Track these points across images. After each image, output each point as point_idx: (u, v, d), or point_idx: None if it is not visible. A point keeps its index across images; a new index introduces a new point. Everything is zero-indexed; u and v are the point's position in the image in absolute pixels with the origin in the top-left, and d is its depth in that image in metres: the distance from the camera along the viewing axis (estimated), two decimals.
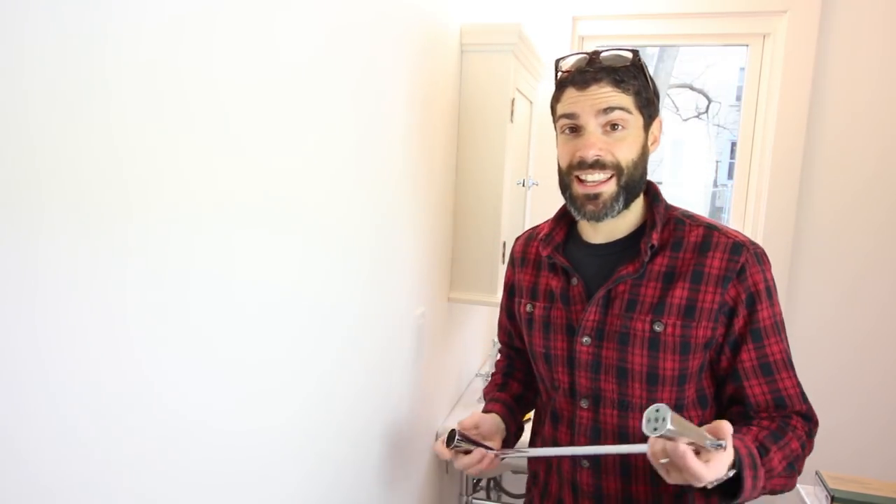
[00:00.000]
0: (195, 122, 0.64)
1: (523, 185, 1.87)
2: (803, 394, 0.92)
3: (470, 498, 1.88)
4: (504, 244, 1.64)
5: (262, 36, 0.74)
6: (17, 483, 0.48)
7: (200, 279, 0.67)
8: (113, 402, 0.57)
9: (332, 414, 1.02)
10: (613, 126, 0.90)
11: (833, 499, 1.31)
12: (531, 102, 1.89)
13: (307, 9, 0.84)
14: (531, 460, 1.12)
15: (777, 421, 0.90)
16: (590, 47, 2.28)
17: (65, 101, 0.49)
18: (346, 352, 1.05)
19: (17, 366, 0.47)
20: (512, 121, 1.58)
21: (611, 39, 2.26)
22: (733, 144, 2.28)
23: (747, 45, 2.16)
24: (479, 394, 1.98)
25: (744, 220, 2.25)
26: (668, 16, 2.16)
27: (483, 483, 2.00)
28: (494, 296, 1.63)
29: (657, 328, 0.90)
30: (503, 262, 1.65)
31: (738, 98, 2.19)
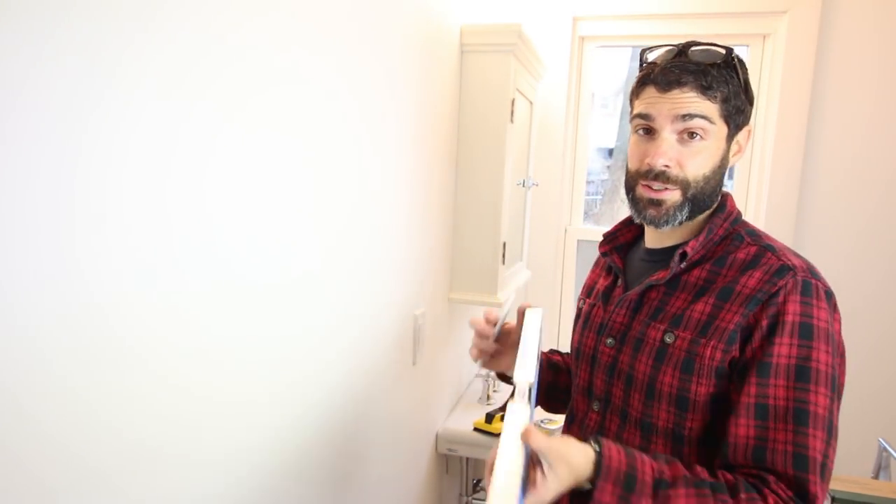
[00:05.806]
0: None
1: (523, 186, 1.87)
2: (804, 459, 0.73)
3: (470, 498, 1.88)
4: (504, 244, 1.64)
5: (262, 35, 0.74)
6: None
7: (203, 284, 0.68)
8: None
9: (332, 414, 1.03)
10: (691, 134, 0.83)
11: (833, 499, 1.31)
12: (531, 102, 1.89)
13: (308, 10, 0.84)
14: None
15: (740, 479, 0.74)
16: (590, 47, 2.28)
17: None
18: (346, 352, 1.06)
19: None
20: (512, 121, 1.58)
21: (611, 40, 2.27)
22: None
23: (747, 46, 2.16)
24: (480, 394, 1.98)
25: None
26: (669, 16, 2.16)
27: (483, 483, 2.00)
28: (494, 296, 1.63)
29: (668, 339, 0.85)
30: (503, 263, 1.65)
31: None
